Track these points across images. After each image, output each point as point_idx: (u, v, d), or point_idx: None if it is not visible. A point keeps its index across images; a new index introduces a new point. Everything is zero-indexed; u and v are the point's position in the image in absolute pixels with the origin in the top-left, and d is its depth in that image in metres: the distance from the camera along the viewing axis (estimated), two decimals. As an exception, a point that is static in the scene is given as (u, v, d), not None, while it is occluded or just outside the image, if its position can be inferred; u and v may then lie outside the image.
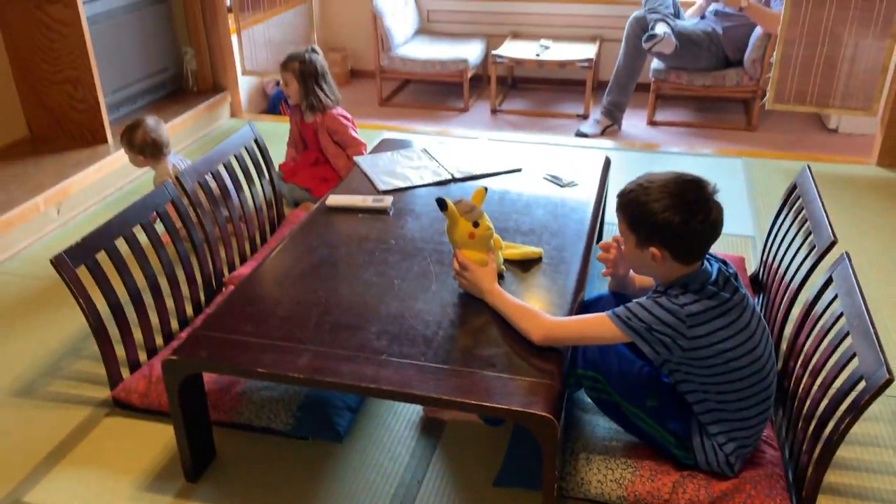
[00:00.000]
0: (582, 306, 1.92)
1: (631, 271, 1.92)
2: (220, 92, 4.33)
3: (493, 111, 4.75)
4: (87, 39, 3.38)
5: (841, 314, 1.76)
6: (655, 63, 4.42)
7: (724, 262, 1.73)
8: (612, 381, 1.76)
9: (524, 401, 1.57)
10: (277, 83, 4.71)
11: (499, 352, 1.72)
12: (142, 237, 2.20)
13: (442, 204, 1.86)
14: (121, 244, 2.13)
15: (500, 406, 1.57)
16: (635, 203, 1.64)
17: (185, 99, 4.22)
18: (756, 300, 2.46)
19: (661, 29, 4.09)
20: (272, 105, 4.72)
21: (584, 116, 4.64)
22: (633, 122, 4.55)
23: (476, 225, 1.87)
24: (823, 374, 1.74)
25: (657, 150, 3.99)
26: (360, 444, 1.99)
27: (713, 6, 4.36)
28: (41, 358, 2.37)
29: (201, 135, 4.17)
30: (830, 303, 1.85)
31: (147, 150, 2.92)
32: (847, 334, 1.70)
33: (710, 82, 4.36)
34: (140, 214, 2.23)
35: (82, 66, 3.43)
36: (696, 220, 1.59)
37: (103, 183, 3.39)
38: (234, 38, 4.30)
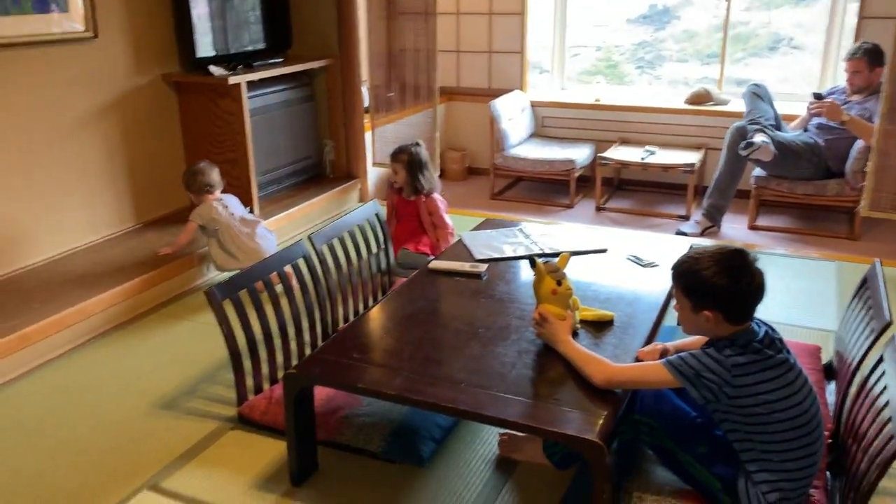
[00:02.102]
0: None
1: None
2: (352, 179, 4.90)
3: (598, 209, 5.06)
4: (247, 128, 4.03)
5: (885, 388, 1.90)
6: (757, 170, 4.62)
7: (771, 328, 1.93)
8: (666, 427, 1.97)
9: (580, 428, 1.82)
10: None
11: (563, 390, 1.98)
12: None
13: (532, 262, 2.19)
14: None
15: (557, 430, 1.82)
16: (688, 272, 1.90)
17: (322, 183, 4.81)
18: (827, 387, 2.58)
19: (759, 138, 4.32)
20: (396, 193, 5.24)
21: (686, 217, 4.86)
22: (734, 226, 4.72)
23: (559, 283, 2.17)
24: (864, 441, 1.88)
25: (753, 251, 4.14)
26: (440, 471, 2.27)
27: (816, 120, 4.55)
28: (184, 381, 2.82)
29: (332, 215, 4.72)
30: (880, 378, 1.99)
31: (192, 186, 3.60)
32: (887, 404, 1.84)
33: (811, 191, 4.49)
34: (278, 264, 2.68)
35: (241, 150, 4.07)
36: (743, 283, 1.84)
37: (246, 248, 3.94)
38: (367, 135, 4.90)
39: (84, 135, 3.66)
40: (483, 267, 2.74)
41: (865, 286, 2.54)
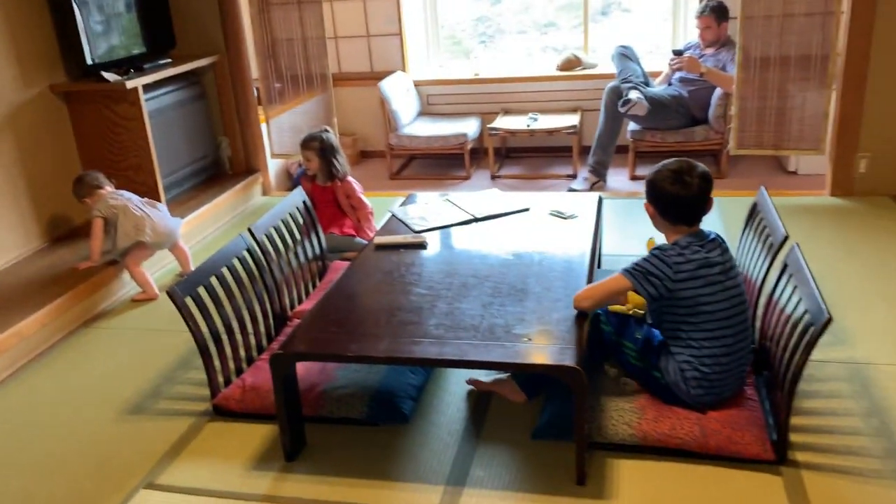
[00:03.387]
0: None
1: None
2: (253, 174, 4.91)
3: (493, 177, 5.34)
4: (148, 132, 3.96)
5: (795, 287, 2.26)
6: (632, 125, 5.05)
7: (721, 238, 2.28)
8: (611, 320, 2.35)
9: (557, 358, 2.06)
10: (300, 164, 5.29)
11: (533, 331, 2.21)
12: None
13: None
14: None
15: (539, 363, 2.05)
16: (653, 172, 2.25)
17: (223, 181, 4.79)
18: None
19: (634, 95, 4.74)
20: (295, 183, 5.27)
21: (573, 176, 5.23)
22: (617, 178, 5.14)
23: None
24: (784, 339, 2.23)
25: (639, 198, 4.57)
26: (423, 425, 2.44)
27: (678, 74, 5.02)
28: (142, 386, 2.82)
29: (238, 211, 4.71)
30: (787, 284, 2.35)
31: (82, 190, 3.60)
32: (800, 301, 2.20)
33: (681, 138, 4.97)
34: (226, 259, 2.74)
35: (143, 155, 4.00)
36: (677, 191, 2.17)
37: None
38: (263, 126, 4.91)
39: (-23, 155, 3.49)
40: (424, 237, 2.92)
41: (756, 211, 2.94)
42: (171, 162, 4.38)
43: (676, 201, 2.20)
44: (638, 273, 2.19)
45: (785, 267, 2.40)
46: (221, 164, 4.93)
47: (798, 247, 2.36)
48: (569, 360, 2.04)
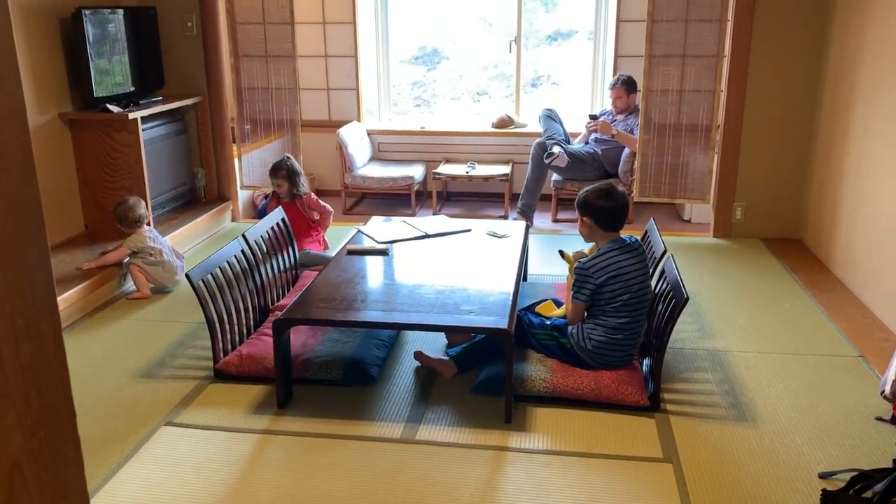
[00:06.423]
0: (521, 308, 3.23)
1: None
2: (224, 202, 5.53)
3: (434, 214, 6.10)
4: (143, 158, 4.57)
5: (668, 284, 3.06)
6: (555, 176, 5.92)
7: (639, 242, 3.09)
8: (523, 318, 3.06)
9: (494, 323, 2.78)
10: (265, 196, 5.94)
11: (475, 307, 2.94)
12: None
13: (562, 253, 3.17)
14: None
15: (478, 326, 2.77)
16: (581, 198, 3.04)
17: (198, 207, 5.39)
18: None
19: (556, 149, 5.62)
20: (260, 213, 5.91)
21: (504, 217, 6.05)
22: (541, 220, 5.98)
23: None
24: (659, 319, 3.02)
25: (559, 234, 5.40)
26: (386, 385, 3.11)
27: (594, 135, 5.95)
28: (150, 359, 3.39)
29: (210, 234, 5.32)
30: (663, 283, 3.15)
31: (125, 220, 4.13)
32: (671, 291, 2.99)
33: (595, 189, 5.86)
34: (225, 257, 3.37)
35: (137, 178, 4.60)
36: (607, 204, 2.97)
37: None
38: (235, 161, 5.56)
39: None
40: (387, 246, 3.63)
41: (646, 236, 3.78)
42: (156, 186, 4.97)
43: (607, 211, 3.00)
44: (582, 295, 2.98)
45: (663, 272, 3.21)
46: (197, 192, 5.54)
47: (672, 257, 3.18)
48: (502, 325, 2.77)
